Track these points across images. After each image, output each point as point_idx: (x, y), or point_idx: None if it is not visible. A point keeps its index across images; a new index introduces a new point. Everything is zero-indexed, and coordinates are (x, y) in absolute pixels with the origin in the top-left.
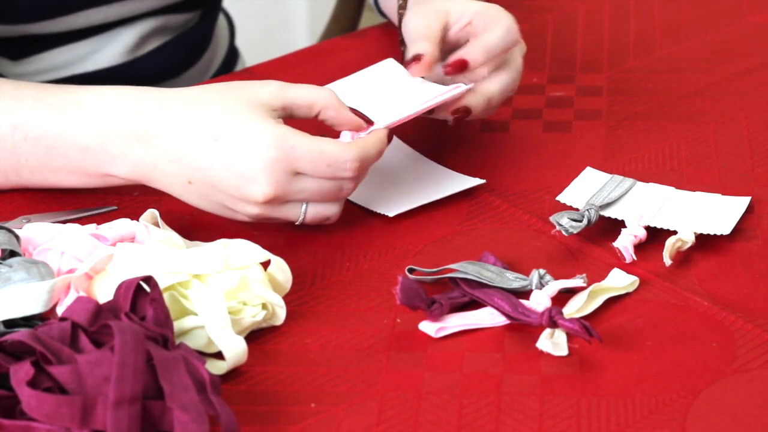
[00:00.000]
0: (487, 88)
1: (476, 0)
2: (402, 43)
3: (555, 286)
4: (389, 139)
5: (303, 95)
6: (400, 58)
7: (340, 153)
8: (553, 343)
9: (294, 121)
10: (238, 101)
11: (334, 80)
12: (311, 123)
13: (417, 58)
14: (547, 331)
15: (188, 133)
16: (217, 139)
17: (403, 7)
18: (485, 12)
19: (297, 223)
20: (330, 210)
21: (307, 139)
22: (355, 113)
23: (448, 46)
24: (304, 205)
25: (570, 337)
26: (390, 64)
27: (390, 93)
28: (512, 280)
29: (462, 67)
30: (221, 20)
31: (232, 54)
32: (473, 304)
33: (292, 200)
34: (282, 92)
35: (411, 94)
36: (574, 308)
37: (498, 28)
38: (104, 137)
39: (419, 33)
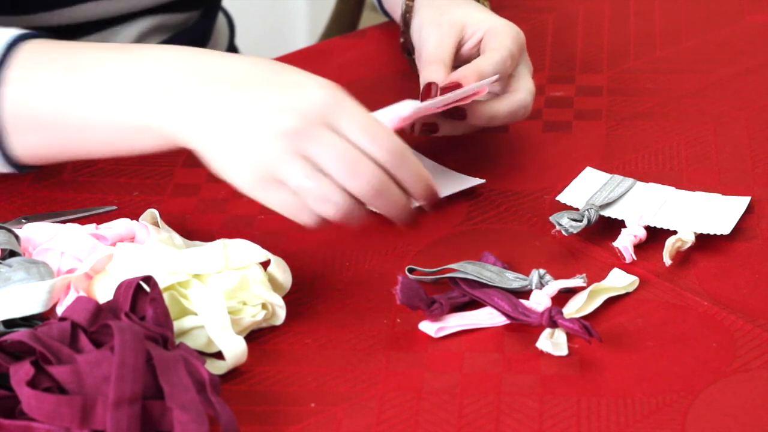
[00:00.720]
0: (494, 107)
1: (489, 12)
2: (403, 34)
3: (555, 286)
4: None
5: None
6: (400, 57)
7: (383, 127)
8: (553, 343)
9: None
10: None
11: (334, 80)
12: None
13: (430, 89)
14: (547, 331)
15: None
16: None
17: (410, 10)
18: (496, 30)
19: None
20: (360, 180)
21: (365, 112)
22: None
23: (459, 61)
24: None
25: (570, 337)
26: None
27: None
28: (512, 280)
29: (455, 89)
30: (221, 20)
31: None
32: (473, 304)
33: (308, 154)
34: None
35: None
36: (574, 308)
37: (495, 54)
38: (165, 70)
39: (432, 53)
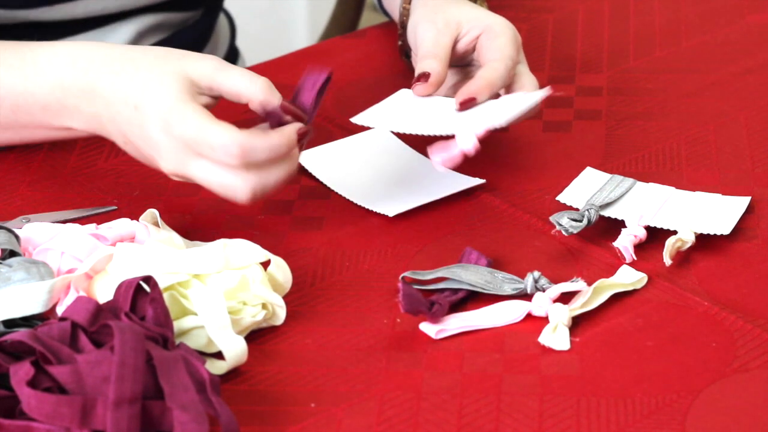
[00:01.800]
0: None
1: (484, 10)
2: (401, 37)
3: (556, 289)
4: (303, 142)
5: (231, 84)
6: (399, 57)
7: (220, 137)
8: (555, 337)
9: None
10: (167, 71)
11: (334, 80)
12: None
13: (424, 76)
14: (550, 325)
15: (117, 99)
16: (137, 107)
17: (406, 13)
18: (494, 30)
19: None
20: (237, 193)
21: (201, 120)
22: (288, 110)
23: (454, 58)
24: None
25: (572, 331)
26: (406, 92)
27: (453, 110)
28: (505, 282)
29: (471, 104)
30: (222, 20)
31: (233, 54)
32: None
33: (196, 179)
34: (214, 74)
35: (487, 106)
36: (579, 303)
37: (500, 62)
38: (60, 94)
39: (428, 49)
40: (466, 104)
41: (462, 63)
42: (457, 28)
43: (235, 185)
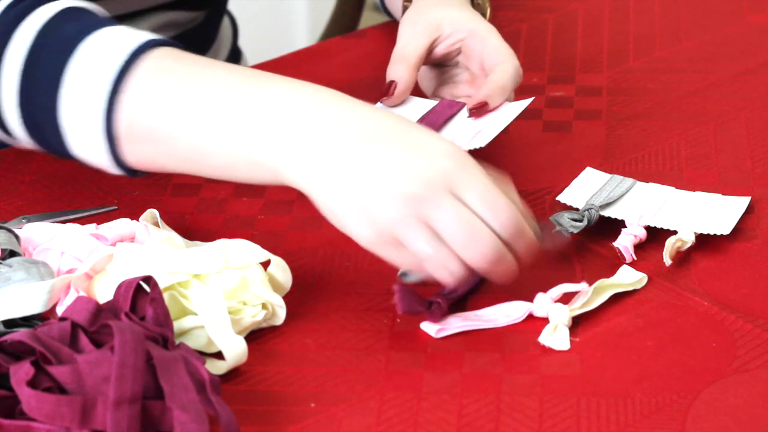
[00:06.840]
0: (497, 83)
1: (470, 12)
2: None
3: (556, 290)
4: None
5: None
6: None
7: (503, 198)
8: (555, 337)
9: None
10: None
11: (334, 80)
12: None
13: (389, 87)
14: (550, 325)
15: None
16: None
17: (407, 10)
18: (479, 33)
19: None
20: (451, 265)
21: (488, 182)
22: None
23: (434, 59)
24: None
25: (572, 331)
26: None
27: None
28: None
29: (483, 109)
30: (225, 20)
31: (235, 54)
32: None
33: (429, 220)
34: None
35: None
36: (580, 303)
37: (507, 63)
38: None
39: (399, 52)
40: (479, 109)
41: (446, 63)
42: (437, 29)
43: (480, 241)
